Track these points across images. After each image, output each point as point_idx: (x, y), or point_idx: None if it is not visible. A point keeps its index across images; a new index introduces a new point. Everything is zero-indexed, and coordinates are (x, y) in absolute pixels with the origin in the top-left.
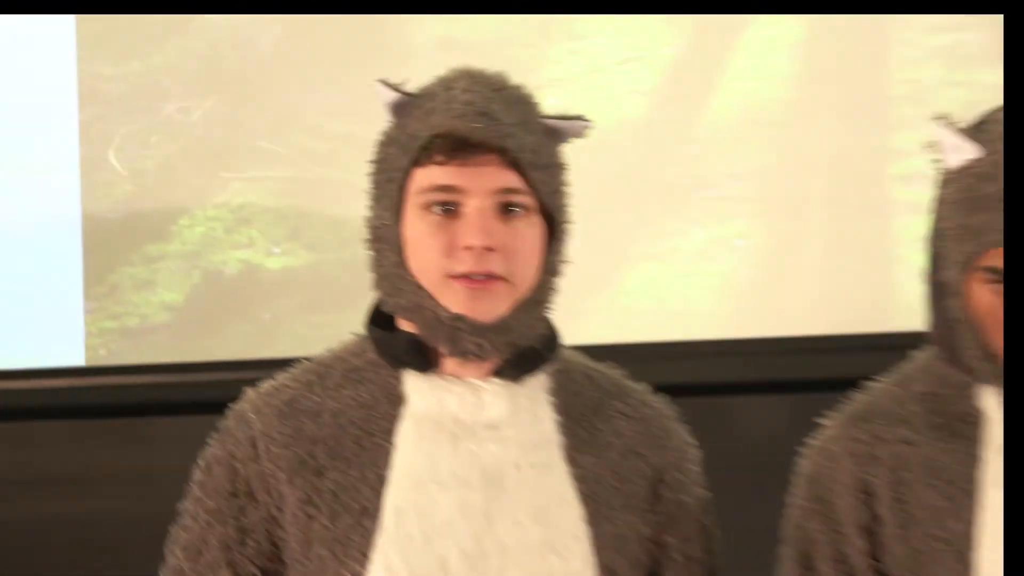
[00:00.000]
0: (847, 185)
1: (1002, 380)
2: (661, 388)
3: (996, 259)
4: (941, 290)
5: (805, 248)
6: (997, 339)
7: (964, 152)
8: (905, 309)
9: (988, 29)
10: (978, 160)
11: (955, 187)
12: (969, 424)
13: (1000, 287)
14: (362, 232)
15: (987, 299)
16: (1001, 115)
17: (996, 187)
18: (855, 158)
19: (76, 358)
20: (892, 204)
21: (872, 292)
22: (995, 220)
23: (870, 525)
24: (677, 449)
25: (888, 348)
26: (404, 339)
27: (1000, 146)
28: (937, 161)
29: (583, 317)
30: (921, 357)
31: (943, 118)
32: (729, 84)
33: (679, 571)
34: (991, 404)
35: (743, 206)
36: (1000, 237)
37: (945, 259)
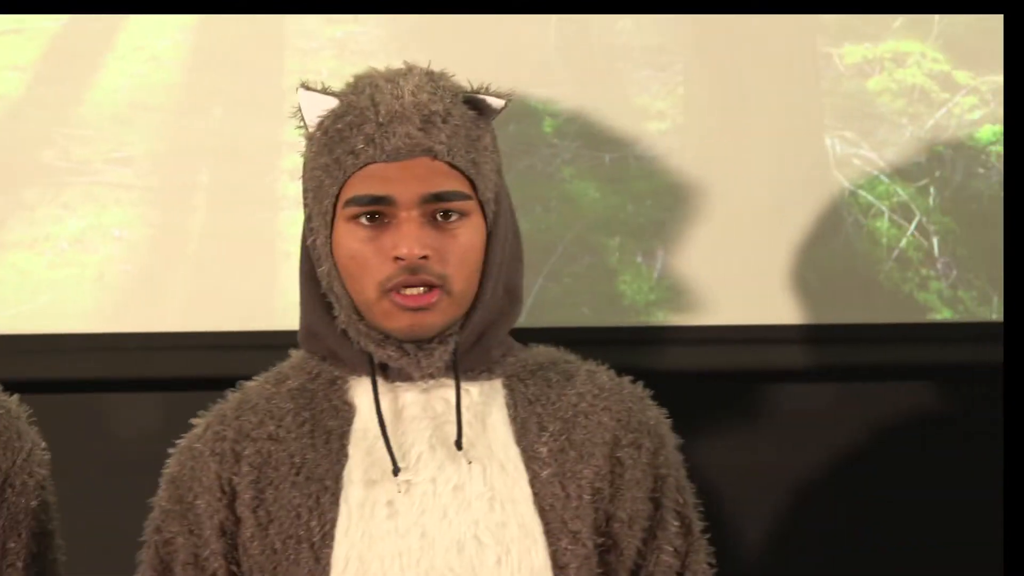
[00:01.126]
0: (237, 177)
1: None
2: (27, 383)
3: (357, 186)
4: (313, 268)
5: (189, 241)
6: (367, 284)
7: (324, 104)
8: (289, 307)
9: (379, 24)
10: (334, 107)
11: (315, 139)
12: (339, 419)
13: (367, 220)
14: None
15: (349, 237)
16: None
17: (348, 120)
18: (246, 150)
19: None
20: (281, 199)
21: (256, 288)
22: (354, 148)
23: (229, 526)
24: (25, 452)
25: (271, 347)
26: None
27: (353, 91)
28: (301, 127)
29: None
30: (296, 354)
31: (304, 84)
32: (115, 64)
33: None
34: (360, 398)
35: (124, 194)
36: (359, 161)
37: (313, 219)
